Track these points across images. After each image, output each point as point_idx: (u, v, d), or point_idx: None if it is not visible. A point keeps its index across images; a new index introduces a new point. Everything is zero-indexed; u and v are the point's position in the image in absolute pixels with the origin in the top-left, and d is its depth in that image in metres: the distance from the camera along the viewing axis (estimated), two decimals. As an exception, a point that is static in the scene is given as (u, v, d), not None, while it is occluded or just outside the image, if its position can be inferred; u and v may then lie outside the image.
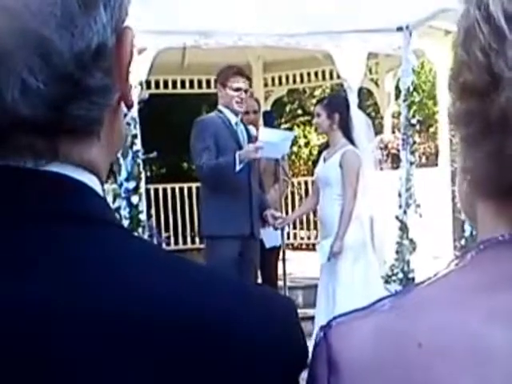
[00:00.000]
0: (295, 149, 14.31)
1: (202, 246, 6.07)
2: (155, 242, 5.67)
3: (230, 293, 0.61)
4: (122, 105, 0.66)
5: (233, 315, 0.58)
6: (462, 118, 0.64)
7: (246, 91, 4.70)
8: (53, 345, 0.53)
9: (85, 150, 0.62)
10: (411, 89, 6.06)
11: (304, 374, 0.67)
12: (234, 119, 4.71)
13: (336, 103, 4.96)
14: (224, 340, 0.57)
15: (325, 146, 5.25)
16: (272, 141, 4.68)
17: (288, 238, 8.45)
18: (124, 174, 5.20)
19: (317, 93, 13.60)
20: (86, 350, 0.53)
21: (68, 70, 0.56)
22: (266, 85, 9.62)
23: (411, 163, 6.05)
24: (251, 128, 5.03)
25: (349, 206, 4.70)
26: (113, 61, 0.60)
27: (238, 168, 4.46)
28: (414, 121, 6.07)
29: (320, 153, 5.39)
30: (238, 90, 4.63)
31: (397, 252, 5.89)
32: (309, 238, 9.81)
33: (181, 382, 0.56)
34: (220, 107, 4.73)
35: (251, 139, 4.80)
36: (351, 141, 4.83)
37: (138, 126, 5.32)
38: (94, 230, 0.60)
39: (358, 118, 5.07)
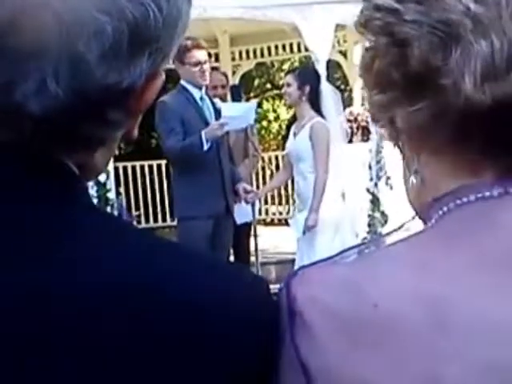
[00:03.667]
0: (265, 123, 14.27)
1: (173, 223, 6.02)
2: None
3: (204, 271, 0.62)
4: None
5: (207, 294, 0.60)
6: (387, 92, 0.68)
7: (205, 62, 4.57)
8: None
9: (78, 158, 0.64)
10: (380, 60, 6.02)
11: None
12: (197, 94, 4.61)
13: (307, 75, 4.94)
14: (198, 318, 0.59)
15: (292, 120, 5.21)
16: (235, 115, 4.62)
17: (260, 213, 8.43)
18: (90, 153, 5.11)
19: (285, 66, 13.52)
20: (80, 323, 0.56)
21: (91, 94, 0.58)
22: (233, 59, 9.51)
23: (381, 135, 6.03)
24: (217, 101, 4.95)
25: (321, 178, 4.69)
26: (134, 101, 0.62)
27: (205, 147, 4.39)
28: (383, 92, 6.04)
29: (289, 127, 5.35)
30: (197, 64, 4.49)
31: (369, 225, 5.91)
32: (280, 213, 9.81)
33: (153, 358, 0.57)
34: (183, 83, 4.61)
35: (217, 113, 4.72)
36: (320, 113, 4.80)
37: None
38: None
39: (327, 91, 5.04)
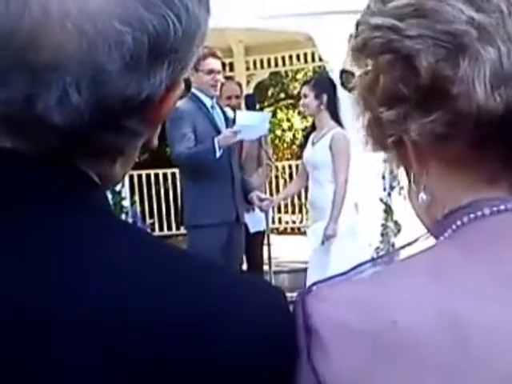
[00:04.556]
0: (278, 133, 14.27)
1: (186, 231, 6.04)
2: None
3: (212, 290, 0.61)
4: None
5: (226, 313, 0.59)
6: (397, 109, 0.67)
7: (219, 72, 4.61)
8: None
9: (98, 168, 0.65)
10: (394, 70, 6.00)
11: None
12: (209, 102, 4.63)
13: (323, 84, 4.93)
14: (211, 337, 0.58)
15: (311, 129, 5.19)
16: (249, 124, 4.62)
17: (273, 222, 8.43)
18: (106, 161, 5.13)
19: (299, 76, 13.53)
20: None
21: (112, 105, 0.58)
22: (247, 68, 9.54)
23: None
24: (227, 110, 4.96)
25: (341, 189, 4.69)
26: (153, 111, 0.63)
27: (218, 154, 4.40)
28: (397, 102, 6.01)
29: (306, 136, 5.34)
30: (210, 72, 4.53)
31: (382, 234, 5.89)
32: (293, 222, 9.80)
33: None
34: (194, 91, 4.63)
35: (228, 122, 4.73)
36: (339, 122, 4.79)
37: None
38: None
39: (344, 98, 5.02)
